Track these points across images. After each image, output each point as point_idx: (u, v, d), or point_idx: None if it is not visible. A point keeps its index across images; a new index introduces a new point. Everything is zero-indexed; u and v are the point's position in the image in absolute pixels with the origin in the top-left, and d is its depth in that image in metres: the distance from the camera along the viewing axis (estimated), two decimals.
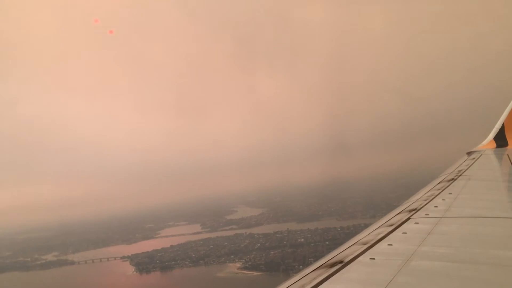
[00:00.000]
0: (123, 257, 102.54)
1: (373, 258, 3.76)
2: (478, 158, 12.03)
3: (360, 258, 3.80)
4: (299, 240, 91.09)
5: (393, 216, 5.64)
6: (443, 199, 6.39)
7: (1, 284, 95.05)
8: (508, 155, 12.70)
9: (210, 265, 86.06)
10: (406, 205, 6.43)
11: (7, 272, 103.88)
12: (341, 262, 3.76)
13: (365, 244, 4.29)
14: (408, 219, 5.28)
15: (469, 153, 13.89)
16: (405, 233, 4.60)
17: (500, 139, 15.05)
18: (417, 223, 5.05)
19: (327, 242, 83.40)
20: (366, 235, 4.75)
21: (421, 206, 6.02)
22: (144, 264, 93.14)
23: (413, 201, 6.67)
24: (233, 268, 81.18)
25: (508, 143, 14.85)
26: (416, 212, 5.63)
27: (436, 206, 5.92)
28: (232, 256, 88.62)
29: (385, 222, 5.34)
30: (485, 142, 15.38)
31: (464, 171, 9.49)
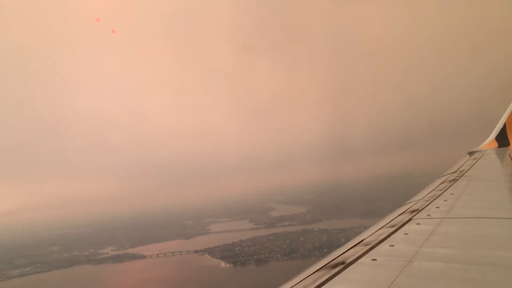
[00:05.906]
0: (196, 251, 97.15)
1: (375, 259, 3.66)
2: (480, 158, 11.76)
3: (362, 259, 3.71)
4: None
5: (395, 217, 5.44)
6: (445, 200, 6.18)
7: (87, 276, 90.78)
8: (510, 154, 12.42)
9: (306, 258, 79.95)
10: (407, 205, 6.21)
11: (75, 265, 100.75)
12: (343, 263, 3.66)
13: (367, 245, 4.18)
14: (409, 220, 5.10)
15: (470, 153, 13.54)
16: (407, 234, 4.46)
17: (501, 139, 14.83)
18: (419, 224, 4.88)
19: None
20: (368, 236, 4.59)
21: (423, 207, 5.83)
22: (230, 257, 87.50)
23: (415, 201, 6.44)
24: None
25: (510, 142, 14.60)
26: (418, 213, 5.45)
27: (438, 207, 5.70)
28: (325, 250, 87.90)
29: (387, 223, 5.17)
30: (486, 141, 15.09)
31: (466, 171, 9.20)
